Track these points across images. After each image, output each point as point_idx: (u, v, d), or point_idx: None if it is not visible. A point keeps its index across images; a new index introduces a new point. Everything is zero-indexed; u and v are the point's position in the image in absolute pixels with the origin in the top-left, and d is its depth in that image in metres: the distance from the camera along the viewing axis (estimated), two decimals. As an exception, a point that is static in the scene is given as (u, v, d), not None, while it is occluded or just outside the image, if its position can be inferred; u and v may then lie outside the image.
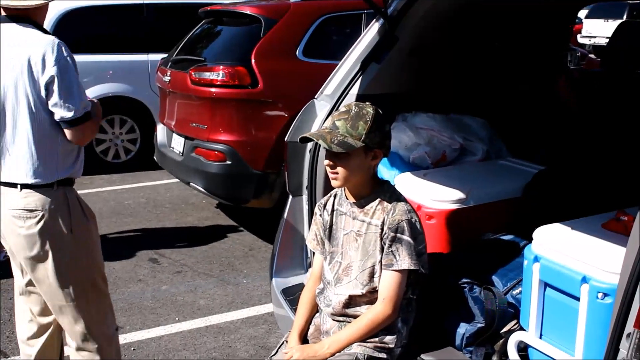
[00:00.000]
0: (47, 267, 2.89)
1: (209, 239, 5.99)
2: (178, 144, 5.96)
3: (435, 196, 3.08)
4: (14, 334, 4.34)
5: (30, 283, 3.07)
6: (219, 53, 5.95)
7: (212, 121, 5.45)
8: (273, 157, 5.35)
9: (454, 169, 3.56)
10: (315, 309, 2.68)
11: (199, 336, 4.24)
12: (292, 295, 3.18)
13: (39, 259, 2.87)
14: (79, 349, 3.08)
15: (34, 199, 2.82)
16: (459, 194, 3.05)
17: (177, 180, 6.62)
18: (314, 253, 2.85)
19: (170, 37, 7.91)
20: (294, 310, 2.92)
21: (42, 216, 2.82)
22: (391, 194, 2.53)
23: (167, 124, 6.26)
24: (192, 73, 5.58)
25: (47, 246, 2.86)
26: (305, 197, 3.33)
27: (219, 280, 5.09)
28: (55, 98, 2.72)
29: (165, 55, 6.96)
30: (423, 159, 3.57)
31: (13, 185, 2.81)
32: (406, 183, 3.24)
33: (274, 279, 3.35)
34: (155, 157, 6.64)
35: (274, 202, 5.46)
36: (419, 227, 2.46)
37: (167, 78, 6.14)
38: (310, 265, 3.26)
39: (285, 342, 2.65)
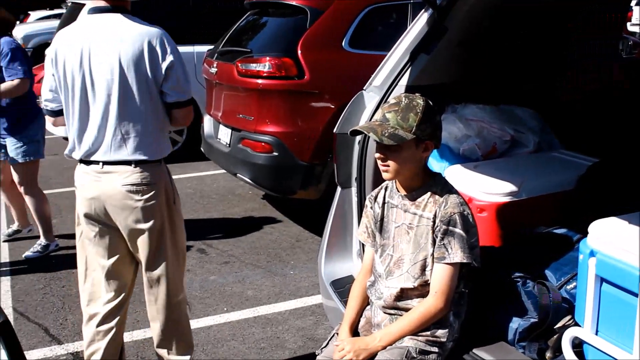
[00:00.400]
0: (162, 236, 3.12)
1: (255, 230, 6.03)
2: (225, 135, 6.00)
3: (486, 189, 3.05)
4: (67, 321, 4.44)
5: (117, 263, 3.19)
6: (265, 44, 5.96)
7: (258, 112, 5.47)
8: (319, 149, 5.35)
9: (505, 161, 3.51)
10: (366, 302, 2.68)
11: (247, 327, 4.27)
12: (341, 287, 3.18)
13: (154, 229, 3.08)
14: (169, 319, 3.26)
15: (148, 174, 3.03)
16: (511, 187, 3.02)
17: (223, 171, 6.66)
18: (364, 245, 2.84)
19: (215, 28, 7.97)
20: (344, 302, 2.91)
21: (155, 189, 3.05)
22: (443, 187, 2.51)
23: (214, 115, 6.30)
24: (239, 65, 5.60)
25: (162, 216, 3.10)
26: (354, 189, 3.32)
27: (267, 271, 5.12)
28: (173, 82, 2.98)
29: (211, 47, 7.00)
30: (473, 150, 3.54)
31: (126, 162, 2.99)
32: (456, 175, 3.22)
33: (323, 271, 3.34)
34: (202, 148, 6.69)
35: (321, 194, 5.47)
36: (471, 220, 2.43)
37: (213, 70, 6.18)
38: (359, 257, 3.26)
39: (335, 334, 2.64)
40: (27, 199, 5.66)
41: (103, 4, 3.00)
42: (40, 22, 21.32)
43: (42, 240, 5.73)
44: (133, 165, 3.00)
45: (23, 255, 5.60)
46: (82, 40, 2.94)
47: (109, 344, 3.22)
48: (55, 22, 19.43)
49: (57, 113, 3.14)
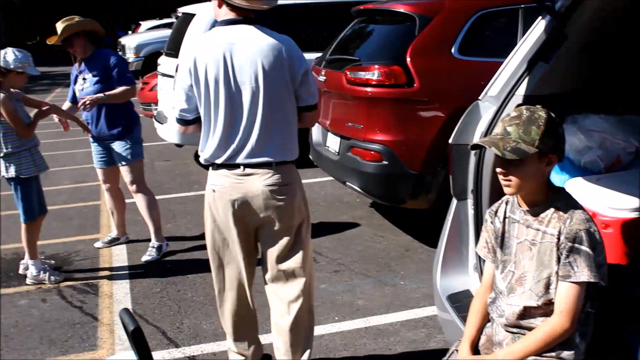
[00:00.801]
0: (300, 232, 3.37)
1: (364, 238, 6.04)
2: (334, 143, 6.03)
3: (611, 203, 2.94)
4: (183, 324, 4.56)
5: (247, 262, 3.44)
6: (373, 52, 5.95)
7: (368, 121, 5.47)
8: (430, 157, 5.30)
9: (630, 174, 3.37)
10: (486, 319, 2.63)
11: (359, 337, 4.27)
12: (458, 301, 3.13)
13: (294, 225, 3.33)
14: (302, 310, 3.41)
15: (287, 174, 3.27)
16: (638, 202, 2.89)
17: (330, 178, 6.71)
18: (483, 260, 2.79)
19: (322, 35, 8.05)
20: (462, 317, 2.87)
21: (293, 188, 3.31)
22: (567, 202, 2.43)
23: (322, 123, 6.35)
24: (348, 73, 5.62)
25: (300, 213, 3.36)
26: (470, 201, 3.26)
27: (377, 281, 5.11)
28: (307, 87, 3.24)
29: (318, 55, 7.06)
30: (595, 163, 3.42)
31: (266, 164, 3.22)
32: (578, 189, 3.11)
33: (438, 284, 3.30)
34: (310, 156, 6.75)
35: (431, 203, 5.42)
36: (597, 237, 2.35)
37: (322, 78, 6.23)
38: (476, 271, 3.20)
39: (455, 351, 2.61)
40: (139, 198, 5.94)
41: (233, 16, 3.21)
42: (150, 32, 22.07)
43: (154, 243, 5.98)
44: (274, 165, 3.22)
45: (142, 260, 5.84)
46: (221, 51, 3.13)
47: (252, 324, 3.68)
48: (166, 32, 20.09)
49: (190, 122, 3.34)
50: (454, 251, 3.33)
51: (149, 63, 18.73)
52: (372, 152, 5.40)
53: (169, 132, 8.46)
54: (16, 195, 5.29)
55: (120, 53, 20.84)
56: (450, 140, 3.34)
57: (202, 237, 6.17)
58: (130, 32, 29.91)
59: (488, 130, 3.13)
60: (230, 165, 3.25)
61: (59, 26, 5.45)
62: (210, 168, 3.37)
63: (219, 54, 3.13)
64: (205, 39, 3.23)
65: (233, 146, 3.21)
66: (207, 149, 3.28)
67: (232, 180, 3.25)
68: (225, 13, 3.23)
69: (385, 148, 5.34)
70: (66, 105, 5.84)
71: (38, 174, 5.33)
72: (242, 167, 3.23)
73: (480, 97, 3.40)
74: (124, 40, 21.19)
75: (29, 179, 5.24)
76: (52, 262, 5.75)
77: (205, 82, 3.16)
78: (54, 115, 5.58)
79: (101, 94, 5.51)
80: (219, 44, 3.15)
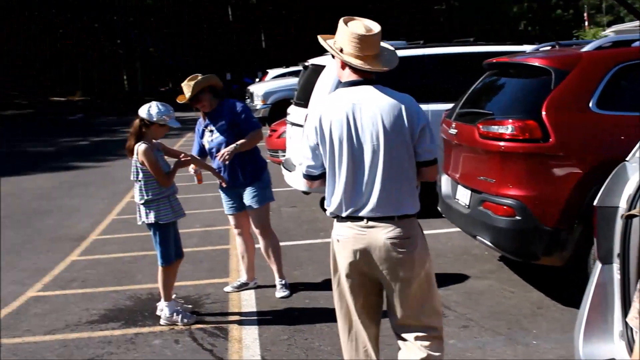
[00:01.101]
0: (424, 284, 3.45)
1: (494, 293, 5.90)
2: (464, 196, 5.98)
3: None
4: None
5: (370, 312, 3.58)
6: (506, 106, 5.88)
7: (501, 175, 5.39)
8: (565, 214, 5.14)
9: None
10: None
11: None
12: (605, 371, 3.01)
13: (415, 278, 3.40)
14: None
15: (408, 227, 3.37)
16: None
17: (457, 229, 6.62)
18: (631, 329, 2.68)
19: (450, 86, 8.04)
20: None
21: (414, 240, 3.39)
22: None
23: (452, 175, 6.30)
24: (480, 127, 5.57)
25: (422, 266, 3.43)
26: (616, 266, 3.15)
27: (508, 339, 4.97)
28: (425, 143, 3.35)
29: (446, 106, 7.04)
30: None
31: (389, 217, 3.33)
32: None
33: (581, 350, 3.19)
34: (439, 207, 6.71)
35: (565, 261, 5.25)
36: None
37: (453, 130, 6.21)
38: (622, 339, 3.07)
39: None
40: (264, 241, 6.16)
41: (355, 77, 3.41)
42: (277, 80, 22.70)
43: (280, 280, 6.21)
44: (396, 219, 3.33)
45: (277, 296, 6.08)
46: (345, 111, 3.33)
47: None
48: (292, 80, 20.64)
49: (316, 177, 3.54)
50: (597, 316, 3.21)
51: (276, 110, 19.26)
52: (505, 207, 5.31)
53: (297, 179, 8.64)
54: (154, 240, 5.53)
55: (248, 100, 21.56)
56: (595, 203, 3.25)
57: (328, 285, 6.22)
58: (257, 79, 30.94)
59: (636, 194, 3.02)
60: (354, 217, 3.39)
61: (187, 85, 5.79)
62: (335, 219, 3.52)
63: (342, 114, 3.33)
64: (330, 99, 3.46)
65: (356, 201, 3.36)
66: (332, 202, 3.47)
67: (356, 232, 3.39)
68: (348, 75, 3.44)
69: (518, 203, 5.23)
70: None
71: (175, 220, 5.56)
72: (365, 220, 3.36)
73: (627, 158, 3.29)
74: (252, 88, 21.90)
75: (167, 224, 5.47)
76: (186, 304, 5.93)
77: (330, 141, 3.37)
78: (191, 166, 5.83)
79: (235, 144, 5.78)
80: (343, 104, 3.35)
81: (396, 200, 3.34)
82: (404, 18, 46.53)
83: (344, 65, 3.44)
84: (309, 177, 3.58)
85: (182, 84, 5.86)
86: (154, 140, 5.51)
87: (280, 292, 6.13)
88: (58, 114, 37.01)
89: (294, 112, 9.50)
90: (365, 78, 3.41)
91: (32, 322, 5.82)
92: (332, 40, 3.51)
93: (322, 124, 3.39)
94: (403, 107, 3.30)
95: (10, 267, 7.57)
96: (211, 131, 5.98)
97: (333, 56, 3.54)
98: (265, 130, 15.04)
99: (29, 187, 13.43)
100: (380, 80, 3.45)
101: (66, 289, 6.72)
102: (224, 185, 6.01)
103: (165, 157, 5.63)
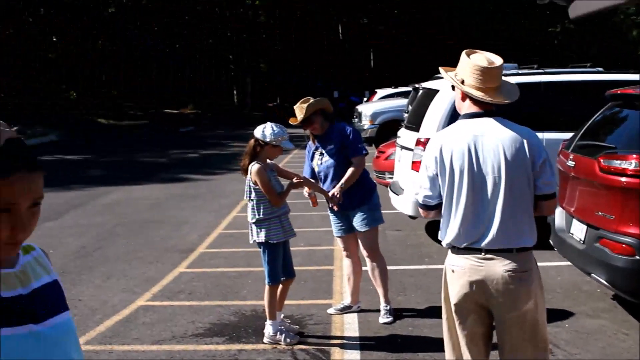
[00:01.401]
0: (537, 319, 3.42)
1: (606, 334, 5.64)
2: (579, 231, 5.76)
3: None
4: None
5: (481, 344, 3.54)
6: (630, 140, 5.61)
7: (621, 212, 5.17)
8: (690, 256, 4.88)
9: None
10: None
11: None
12: None
13: (528, 312, 3.37)
14: None
15: (525, 260, 3.37)
16: None
17: (568, 263, 6.39)
18: None
19: (567, 115, 7.80)
20: None
21: (531, 274, 3.38)
22: None
23: (567, 208, 6.09)
24: (601, 160, 5.37)
25: (535, 300, 3.39)
26: None
27: (622, 385, 4.74)
28: (546, 177, 3.36)
29: (563, 135, 6.83)
30: None
31: (507, 250, 3.33)
32: None
33: None
34: (550, 240, 6.50)
35: (688, 305, 4.98)
36: None
37: (570, 163, 6.00)
38: None
39: None
40: (372, 264, 6.16)
41: (476, 109, 3.45)
42: (386, 101, 22.72)
43: (385, 305, 6.16)
44: (514, 252, 3.33)
45: (380, 322, 6.05)
46: (466, 143, 3.36)
47: None
48: (401, 101, 20.59)
49: (433, 207, 3.56)
50: None
51: (384, 131, 19.26)
52: (624, 245, 5.08)
53: (404, 203, 8.57)
54: (263, 259, 5.59)
55: (355, 119, 21.64)
56: None
57: (432, 313, 6.15)
58: (365, 99, 31.05)
59: None
60: (471, 249, 3.39)
61: (300, 107, 5.87)
62: (450, 250, 3.52)
63: (463, 145, 3.35)
64: (451, 130, 3.50)
65: (475, 232, 3.37)
66: (448, 233, 3.47)
67: (472, 263, 3.38)
68: (468, 106, 3.47)
69: (639, 242, 5.00)
70: None
71: (286, 240, 5.61)
72: (483, 252, 3.36)
73: None
74: (360, 107, 21.99)
75: (277, 244, 5.52)
76: (292, 324, 5.95)
77: (450, 171, 3.38)
78: (305, 189, 5.88)
79: (341, 184, 5.86)
80: (464, 135, 3.38)
81: (515, 233, 3.33)
82: (518, 40, 45.72)
83: (464, 96, 3.47)
84: (425, 207, 3.61)
85: (295, 106, 5.94)
86: (268, 161, 5.59)
87: (383, 318, 6.07)
88: (170, 126, 38.29)
89: (404, 136, 9.44)
90: (485, 110, 3.43)
91: (140, 331, 5.98)
92: (453, 72, 3.55)
93: (442, 154, 3.40)
94: (525, 139, 3.32)
95: (122, 276, 7.84)
96: (321, 154, 6.03)
97: (453, 87, 3.58)
98: (372, 151, 15.08)
99: (141, 196, 13.90)
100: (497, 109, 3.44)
101: (173, 300, 6.88)
102: (335, 209, 6.01)
103: (279, 177, 5.69)
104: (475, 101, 3.42)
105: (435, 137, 3.54)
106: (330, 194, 5.87)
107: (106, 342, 5.75)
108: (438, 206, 3.54)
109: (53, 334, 1.66)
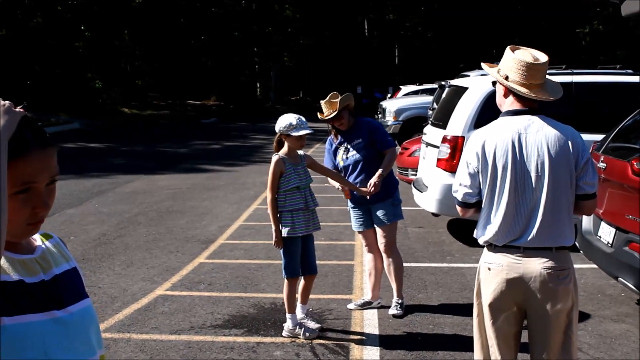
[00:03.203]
0: (571, 318, 3.40)
1: (631, 339, 5.54)
2: (607, 234, 5.65)
3: None
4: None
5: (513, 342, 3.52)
6: (664, 142, 5.54)
7: (651, 216, 5.06)
8: None
9: None
10: None
11: None
12: None
13: (565, 310, 3.35)
14: None
15: (564, 259, 3.37)
16: None
17: (591, 265, 6.29)
18: None
19: (599, 116, 7.68)
20: None
21: (569, 273, 3.37)
22: None
23: (595, 211, 5.97)
24: (635, 163, 5.26)
25: (573, 298, 3.39)
26: None
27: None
28: (588, 176, 3.34)
29: (595, 137, 6.72)
30: None
31: (546, 248, 3.33)
32: None
33: None
34: (576, 242, 6.38)
35: None
36: None
37: (602, 165, 5.89)
38: None
39: None
40: (388, 259, 6.12)
41: (519, 106, 3.42)
42: (410, 97, 22.62)
43: (398, 299, 6.15)
44: (553, 250, 3.33)
45: (390, 313, 6.06)
46: (509, 140, 3.33)
47: None
48: (425, 98, 20.49)
49: (472, 205, 3.53)
50: None
51: (407, 127, 19.16)
52: (654, 250, 4.97)
53: (428, 200, 8.48)
54: (281, 251, 5.54)
55: (379, 115, 21.55)
56: None
57: (453, 312, 6.08)
58: (389, 95, 30.93)
59: None
60: (510, 246, 3.37)
61: (329, 102, 5.83)
62: (486, 247, 3.50)
63: (507, 142, 3.32)
64: (493, 127, 3.45)
65: (515, 230, 3.35)
66: (487, 231, 3.44)
67: (510, 260, 3.37)
68: (511, 103, 3.44)
69: (669, 247, 4.90)
70: None
71: (304, 235, 5.51)
72: (521, 249, 3.35)
73: None
74: (384, 103, 21.89)
75: (289, 238, 5.46)
76: (314, 318, 5.87)
77: (492, 168, 3.35)
78: (337, 185, 5.86)
79: (381, 171, 5.81)
80: (507, 132, 3.34)
81: (555, 232, 3.33)
82: (547, 40, 45.30)
83: (507, 93, 3.44)
84: (464, 204, 3.56)
85: (323, 102, 5.91)
86: (300, 152, 5.56)
87: (393, 310, 6.08)
88: (193, 117, 38.40)
89: (430, 132, 9.35)
90: (529, 107, 3.40)
91: (159, 320, 5.96)
92: (496, 68, 3.51)
93: (485, 150, 3.38)
94: (569, 138, 3.30)
95: (142, 264, 7.82)
96: (347, 149, 5.99)
97: (494, 83, 3.53)
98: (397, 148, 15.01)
99: (163, 186, 13.91)
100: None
101: (193, 290, 6.86)
102: (368, 197, 5.92)
103: (313, 170, 5.66)
104: (518, 98, 3.40)
105: (477, 134, 3.49)
106: (372, 182, 5.78)
107: (124, 330, 5.73)
108: (477, 204, 3.51)
109: (75, 320, 1.66)
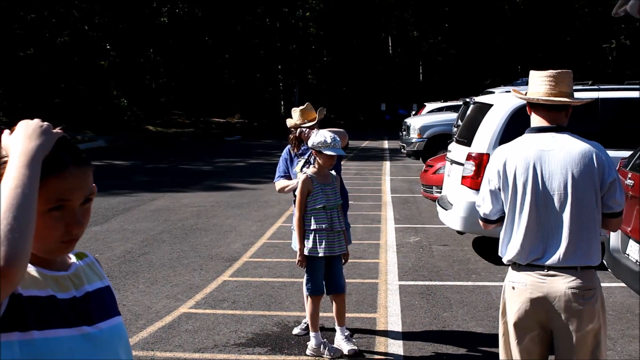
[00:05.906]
0: (599, 339, 3.33)
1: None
2: (635, 252, 5.57)
3: None
4: None
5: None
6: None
7: (681, 234, 4.97)
8: None
9: None
10: None
11: None
12: None
13: (591, 331, 3.29)
14: None
15: (590, 278, 3.31)
16: None
17: (621, 285, 6.20)
18: None
19: (626, 132, 7.60)
20: None
21: (595, 293, 3.31)
22: None
23: (623, 229, 5.89)
24: (662, 180, 5.19)
25: (599, 319, 3.32)
26: None
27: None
28: (614, 195, 3.28)
29: (622, 153, 6.63)
30: None
31: (571, 268, 3.27)
32: None
33: None
34: (604, 261, 6.29)
35: None
36: None
37: (629, 182, 5.81)
38: None
39: None
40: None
41: (545, 124, 3.40)
42: (435, 115, 22.56)
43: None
44: (578, 269, 3.27)
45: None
46: (532, 158, 3.31)
47: None
48: (450, 115, 20.39)
49: (493, 222, 3.51)
50: None
51: (432, 144, 19.10)
52: (684, 269, 4.88)
53: (452, 218, 8.42)
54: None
55: (404, 132, 21.50)
56: None
57: (478, 330, 6.00)
58: (413, 112, 30.87)
59: None
60: (534, 265, 3.32)
61: (306, 112, 5.99)
62: (511, 267, 3.46)
63: (529, 160, 3.30)
64: (516, 144, 3.43)
65: (539, 249, 3.31)
66: (510, 249, 3.41)
67: (534, 279, 3.32)
68: (538, 121, 3.43)
69: (699, 266, 4.80)
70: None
71: (328, 255, 5.49)
72: (546, 269, 3.30)
73: None
74: (409, 120, 21.84)
75: (310, 257, 5.49)
76: (349, 337, 5.78)
77: (513, 186, 3.34)
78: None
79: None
80: (530, 149, 3.32)
81: (581, 250, 3.27)
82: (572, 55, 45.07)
83: (530, 110, 3.47)
84: (486, 220, 3.55)
85: (300, 108, 6.03)
86: (332, 172, 5.57)
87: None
88: (217, 135, 38.56)
89: (455, 150, 9.30)
90: (556, 124, 3.38)
91: (183, 338, 5.95)
92: (524, 93, 3.55)
93: (506, 168, 3.36)
94: (594, 156, 3.25)
95: (166, 282, 7.83)
96: (307, 161, 5.88)
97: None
98: (421, 164, 14.90)
99: (187, 203, 13.96)
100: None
101: (216, 308, 6.85)
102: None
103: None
104: (543, 115, 3.40)
105: (500, 151, 3.48)
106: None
107: (148, 348, 5.73)
108: (499, 220, 3.49)
109: (104, 336, 1.67)
